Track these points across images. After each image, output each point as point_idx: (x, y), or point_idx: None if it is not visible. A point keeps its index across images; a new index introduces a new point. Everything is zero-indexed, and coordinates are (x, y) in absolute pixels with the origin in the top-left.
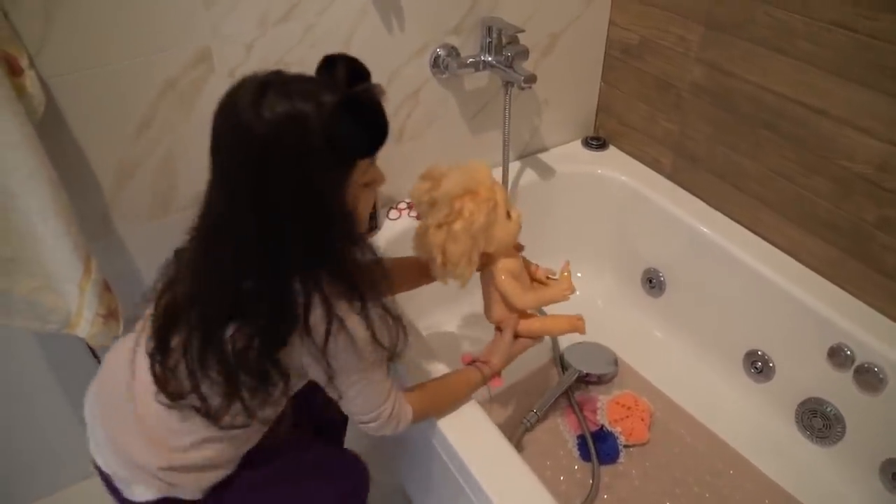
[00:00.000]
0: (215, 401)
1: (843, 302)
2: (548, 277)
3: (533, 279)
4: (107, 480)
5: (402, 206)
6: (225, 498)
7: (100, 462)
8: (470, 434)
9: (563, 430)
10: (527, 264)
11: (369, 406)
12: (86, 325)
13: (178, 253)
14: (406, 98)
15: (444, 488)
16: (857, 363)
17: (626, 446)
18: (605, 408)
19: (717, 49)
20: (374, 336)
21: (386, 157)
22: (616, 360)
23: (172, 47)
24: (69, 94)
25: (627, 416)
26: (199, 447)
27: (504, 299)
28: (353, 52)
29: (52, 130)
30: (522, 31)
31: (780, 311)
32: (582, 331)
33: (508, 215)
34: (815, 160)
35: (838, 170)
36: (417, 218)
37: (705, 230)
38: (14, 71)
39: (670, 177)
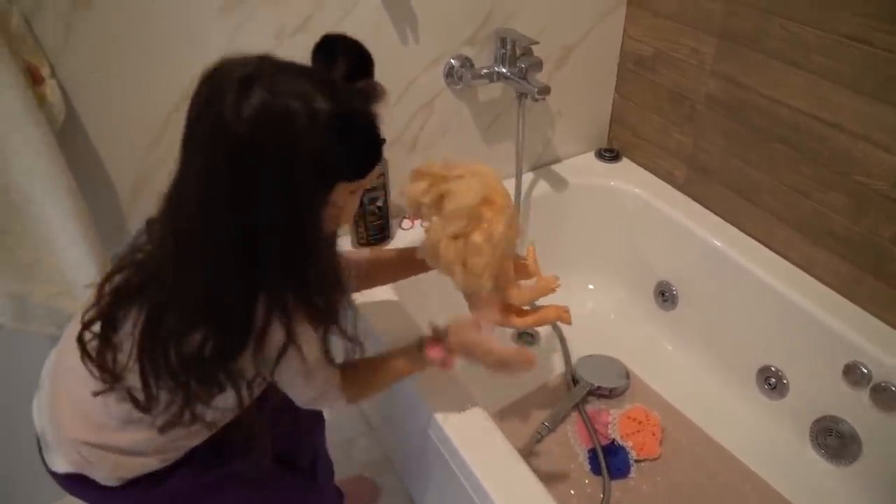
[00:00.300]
0: (154, 392)
1: (859, 319)
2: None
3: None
4: (38, 444)
5: (420, 222)
6: (145, 496)
7: (35, 421)
8: (480, 444)
9: (573, 443)
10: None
11: (303, 396)
12: None
13: (150, 223)
14: (420, 108)
15: (452, 497)
16: (873, 381)
17: (636, 461)
18: (616, 421)
19: (731, 61)
20: (327, 357)
21: (399, 167)
22: (627, 373)
23: (188, 58)
24: (88, 104)
25: (639, 431)
26: (126, 429)
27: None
28: None
29: (70, 139)
30: (536, 42)
31: (794, 327)
32: (568, 321)
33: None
34: (830, 175)
35: (854, 185)
36: (412, 219)
37: (719, 244)
38: (35, 80)
39: (684, 189)
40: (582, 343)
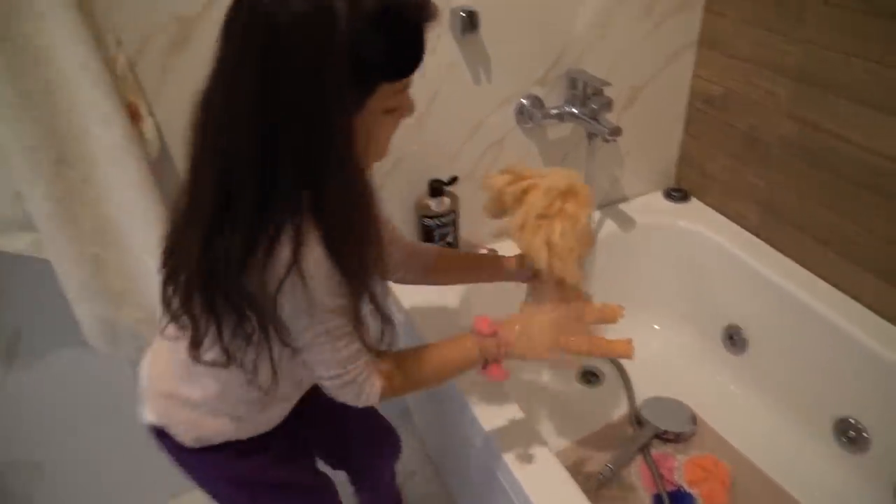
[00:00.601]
0: (198, 324)
1: None
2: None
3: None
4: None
5: (483, 251)
6: (215, 465)
7: (140, 372)
8: (543, 483)
9: (638, 487)
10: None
11: (331, 363)
12: None
13: None
14: (490, 146)
15: None
16: None
17: None
18: (682, 468)
19: (809, 104)
20: (355, 321)
21: (468, 204)
22: (694, 417)
23: None
24: (178, 141)
25: (706, 479)
26: (193, 380)
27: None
28: (441, 100)
29: (162, 174)
30: (608, 84)
31: (876, 379)
32: (631, 355)
33: None
34: None
35: None
36: (493, 214)
37: (793, 289)
38: (134, 117)
39: (756, 232)
40: (646, 384)
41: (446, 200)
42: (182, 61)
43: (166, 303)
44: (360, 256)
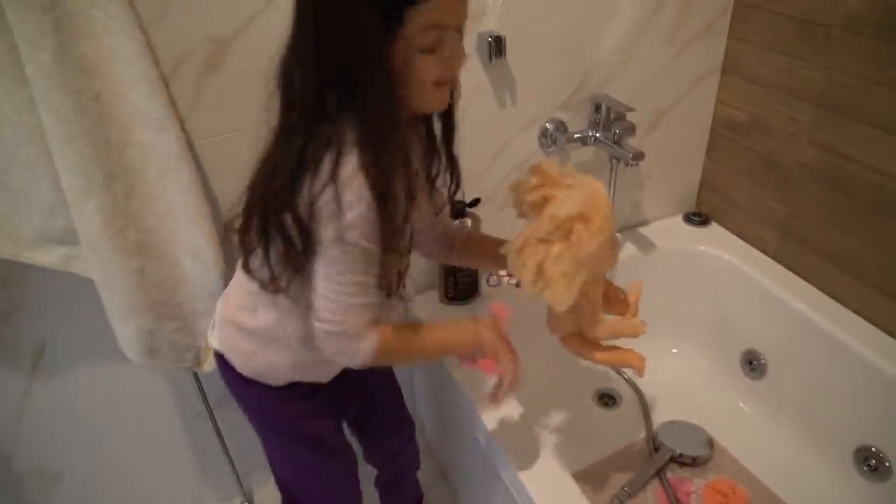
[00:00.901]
0: (251, 246)
1: None
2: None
3: (607, 298)
4: None
5: (503, 273)
6: (261, 398)
7: (217, 304)
8: None
9: None
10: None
11: (333, 308)
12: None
13: None
14: (513, 168)
15: None
16: None
17: None
18: (699, 492)
19: (831, 131)
20: (376, 231)
21: (490, 225)
22: (711, 442)
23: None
24: (210, 156)
25: None
26: (256, 310)
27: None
28: (467, 123)
29: None
30: (632, 109)
31: None
32: (642, 371)
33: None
34: None
35: None
36: (519, 214)
37: (813, 314)
38: None
39: (776, 257)
40: (663, 408)
41: (468, 222)
42: (215, 80)
43: (240, 236)
44: (390, 186)
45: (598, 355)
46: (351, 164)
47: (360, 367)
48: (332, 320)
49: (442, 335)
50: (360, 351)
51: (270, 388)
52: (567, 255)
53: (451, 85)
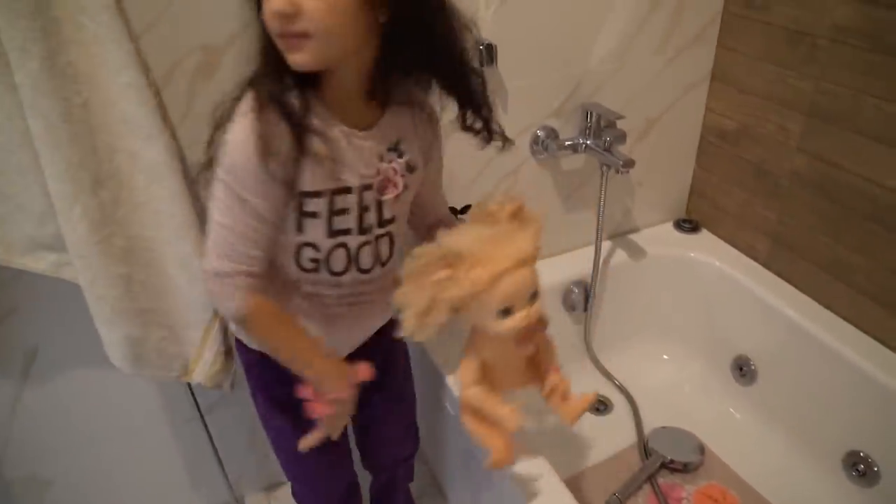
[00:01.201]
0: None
1: None
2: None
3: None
4: None
5: None
6: (261, 372)
7: None
8: None
9: None
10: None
11: (208, 245)
12: (204, 366)
13: None
14: (505, 175)
15: None
16: None
17: None
18: (691, 498)
19: (820, 139)
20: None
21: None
22: (702, 448)
23: None
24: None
25: None
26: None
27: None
28: (458, 131)
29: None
30: (622, 117)
31: (887, 413)
32: (512, 427)
33: (508, 312)
34: None
35: None
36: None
37: (803, 321)
38: None
39: (766, 264)
40: (654, 414)
41: None
42: (209, 85)
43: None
44: (267, 136)
45: (468, 418)
46: (241, 106)
47: (234, 323)
48: (206, 265)
49: (297, 348)
50: (229, 308)
51: (273, 364)
52: (419, 291)
53: (279, 29)
